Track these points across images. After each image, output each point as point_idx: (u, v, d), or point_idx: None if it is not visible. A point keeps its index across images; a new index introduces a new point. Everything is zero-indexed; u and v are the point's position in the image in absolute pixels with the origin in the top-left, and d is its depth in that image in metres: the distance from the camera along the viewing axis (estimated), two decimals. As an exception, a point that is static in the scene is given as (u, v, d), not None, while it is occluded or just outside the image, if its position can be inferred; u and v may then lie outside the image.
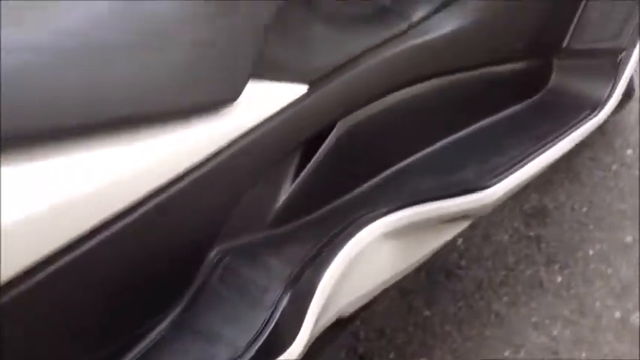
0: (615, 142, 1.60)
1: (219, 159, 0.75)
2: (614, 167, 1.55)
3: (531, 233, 1.45)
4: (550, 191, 1.51)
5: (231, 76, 0.73)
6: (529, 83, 1.17)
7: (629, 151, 1.58)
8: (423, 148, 1.06)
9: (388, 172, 1.02)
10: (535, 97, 1.16)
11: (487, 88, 1.11)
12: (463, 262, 1.42)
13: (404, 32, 0.99)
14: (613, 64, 1.13)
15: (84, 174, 0.62)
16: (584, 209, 1.48)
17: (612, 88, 1.11)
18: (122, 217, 0.66)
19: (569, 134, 1.08)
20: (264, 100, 0.79)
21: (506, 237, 1.44)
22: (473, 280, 1.38)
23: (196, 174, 0.72)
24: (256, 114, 0.78)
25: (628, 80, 1.14)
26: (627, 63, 1.13)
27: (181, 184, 0.71)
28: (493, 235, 1.45)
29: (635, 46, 1.14)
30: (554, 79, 1.18)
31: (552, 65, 1.19)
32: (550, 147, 1.07)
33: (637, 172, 1.53)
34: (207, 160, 0.73)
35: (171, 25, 0.67)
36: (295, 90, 0.84)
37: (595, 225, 1.44)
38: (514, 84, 1.14)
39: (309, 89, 0.85)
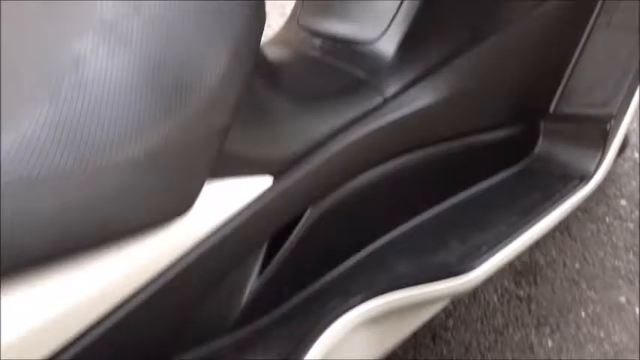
0: (609, 191, 1.55)
1: (175, 270, 0.70)
2: (607, 219, 1.49)
3: (521, 292, 1.39)
4: (541, 245, 1.46)
5: (184, 187, 0.67)
6: (514, 149, 1.11)
7: (623, 202, 1.52)
8: (400, 225, 1.00)
9: (363, 253, 0.96)
10: (521, 164, 1.11)
11: (469, 158, 1.05)
12: (450, 323, 1.36)
13: (379, 107, 0.93)
14: (602, 132, 1.07)
15: (35, 306, 0.59)
16: (577, 266, 1.42)
17: (601, 158, 1.06)
18: (74, 342, 0.62)
19: (556, 207, 1.03)
20: (223, 200, 0.74)
21: (495, 297, 1.38)
22: (460, 344, 1.32)
23: (151, 289, 0.68)
24: (215, 217, 0.73)
25: (618, 149, 1.09)
26: (617, 131, 1.07)
27: (135, 302, 0.66)
28: (482, 294, 1.39)
29: (625, 115, 1.08)
30: (541, 144, 1.12)
31: (539, 129, 1.13)
32: (536, 222, 1.01)
33: (631, 225, 1.47)
34: (162, 274, 0.68)
35: (113, 141, 0.61)
36: (259, 184, 0.78)
37: (588, 284, 1.39)
38: (498, 151, 1.09)
39: (274, 181, 0.80)
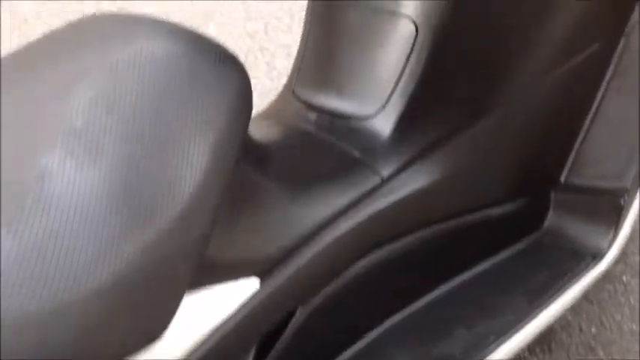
0: (625, 248, 1.48)
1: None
2: (624, 278, 1.43)
3: (535, 360, 1.33)
4: (555, 307, 1.39)
5: (158, 310, 0.63)
6: (523, 223, 1.06)
7: (642, 259, 1.45)
8: (398, 312, 0.94)
9: (359, 345, 0.91)
10: (530, 238, 1.05)
11: (472, 236, 1.00)
12: (460, 393, 1.30)
13: (377, 188, 0.88)
14: (616, 206, 1.01)
15: None
16: (593, 330, 1.36)
17: (614, 236, 1.00)
18: None
19: (566, 290, 0.97)
20: (203, 313, 0.69)
21: (507, 366, 1.32)
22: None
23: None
24: (194, 333, 0.68)
25: (632, 225, 1.03)
26: (631, 206, 1.01)
27: None
28: (493, 361, 1.33)
29: (639, 189, 1.02)
30: (552, 217, 1.06)
31: (549, 201, 1.07)
32: (546, 307, 0.95)
33: (650, 285, 1.41)
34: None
35: (79, 270, 0.57)
36: (243, 288, 0.74)
37: (605, 350, 1.32)
38: (505, 226, 1.03)
39: (261, 282, 0.75)
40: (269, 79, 2.04)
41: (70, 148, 0.60)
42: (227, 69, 0.71)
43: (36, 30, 2.22)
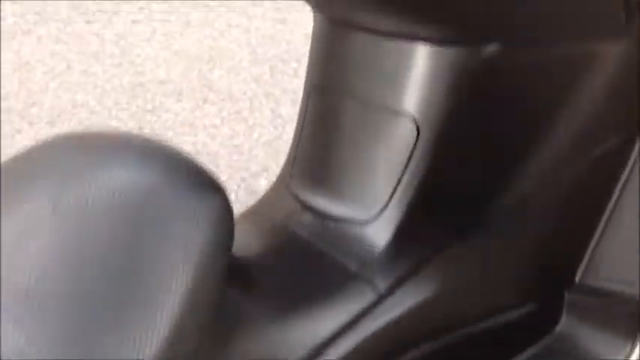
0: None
1: None
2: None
3: None
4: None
5: None
6: (533, 328, 0.99)
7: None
8: None
9: None
10: (540, 344, 0.98)
11: (478, 346, 0.93)
12: None
13: (373, 305, 0.82)
14: (633, 315, 0.94)
15: None
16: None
17: (632, 349, 0.92)
18: None
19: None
20: None
21: None
22: None
23: None
24: None
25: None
26: (650, 318, 0.94)
27: None
28: None
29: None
30: (564, 322, 0.99)
31: (562, 302, 1.00)
32: None
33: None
34: None
35: None
36: None
37: None
38: (514, 332, 0.97)
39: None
40: (273, 127, 1.98)
41: (14, 314, 0.54)
42: (206, 193, 0.66)
43: (37, 72, 2.18)
